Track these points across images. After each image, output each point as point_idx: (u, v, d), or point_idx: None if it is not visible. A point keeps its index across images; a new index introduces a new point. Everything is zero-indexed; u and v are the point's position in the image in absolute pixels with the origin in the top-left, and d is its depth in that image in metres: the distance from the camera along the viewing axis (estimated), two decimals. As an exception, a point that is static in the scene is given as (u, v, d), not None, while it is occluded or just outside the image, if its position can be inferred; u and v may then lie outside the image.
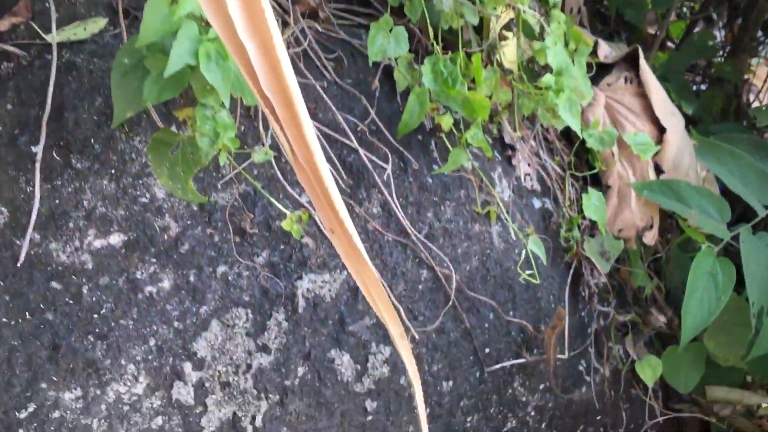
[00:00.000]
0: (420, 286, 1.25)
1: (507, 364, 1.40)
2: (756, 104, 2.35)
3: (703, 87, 2.44)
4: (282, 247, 1.13)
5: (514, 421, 1.48)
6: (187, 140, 0.83)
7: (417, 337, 1.21)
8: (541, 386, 1.51)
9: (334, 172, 1.18)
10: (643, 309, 1.81)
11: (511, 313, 1.40)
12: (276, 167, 1.13)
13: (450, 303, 1.27)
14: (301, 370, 1.12)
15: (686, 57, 2.29)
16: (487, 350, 1.37)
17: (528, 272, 1.36)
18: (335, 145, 1.21)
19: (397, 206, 1.20)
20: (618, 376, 1.74)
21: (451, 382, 1.31)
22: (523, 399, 1.48)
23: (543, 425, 1.56)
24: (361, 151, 1.20)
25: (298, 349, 1.12)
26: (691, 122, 1.91)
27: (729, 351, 1.79)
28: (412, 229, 1.22)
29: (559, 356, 1.48)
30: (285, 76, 0.59)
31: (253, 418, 1.07)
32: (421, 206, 1.28)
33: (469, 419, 1.36)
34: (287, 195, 1.15)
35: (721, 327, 1.74)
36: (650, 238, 1.64)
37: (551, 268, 1.52)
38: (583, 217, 1.53)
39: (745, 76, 2.26)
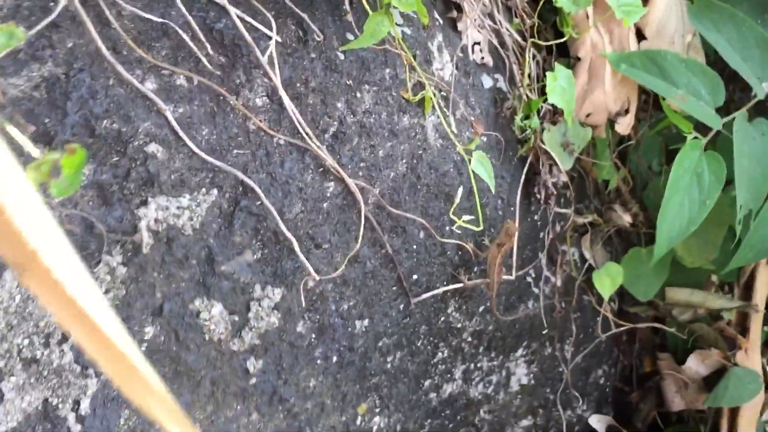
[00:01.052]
0: (324, 205, 0.92)
1: (439, 290, 1.12)
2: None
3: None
4: (115, 159, 0.77)
5: (445, 351, 1.23)
6: None
7: (317, 278, 0.90)
8: (481, 308, 1.25)
9: (196, 49, 0.80)
10: (605, 204, 1.53)
11: (447, 228, 1.09)
12: (99, 39, 0.74)
13: (363, 224, 0.96)
14: (149, 331, 0.80)
15: None
16: (414, 277, 1.08)
17: (466, 218, 1.05)
18: (196, 4, 0.82)
19: (284, 95, 0.84)
20: (571, 285, 1.49)
21: (366, 321, 1.03)
22: (458, 326, 1.22)
23: (480, 349, 1.32)
24: (235, 14, 0.81)
25: (144, 304, 0.80)
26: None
27: (699, 254, 1.55)
28: (309, 129, 0.87)
29: (504, 277, 1.21)
30: None
31: (77, 403, 0.76)
32: (328, 94, 0.92)
33: (389, 359, 1.10)
34: (121, 80, 0.77)
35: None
36: (625, 125, 1.32)
37: (501, 166, 1.20)
38: (545, 100, 1.20)
39: None
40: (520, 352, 1.40)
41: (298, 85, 0.87)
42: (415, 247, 1.04)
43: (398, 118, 0.97)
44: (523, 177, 1.22)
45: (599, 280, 1.39)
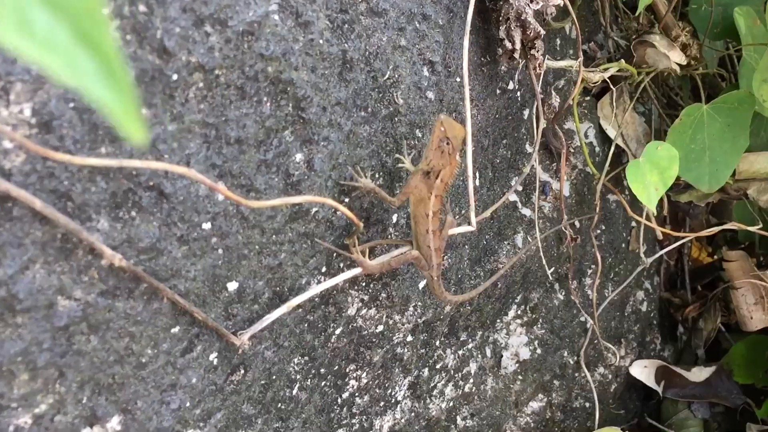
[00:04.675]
0: None
1: (309, 293, 0.51)
2: None
3: None
4: None
5: (363, 375, 0.62)
6: None
7: None
8: (422, 284, 0.64)
9: None
10: (634, 39, 0.87)
11: (298, 158, 0.46)
12: None
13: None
14: None
15: None
16: (231, 288, 0.47)
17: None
18: None
19: None
20: (587, 187, 0.86)
21: (117, 420, 0.43)
22: (379, 329, 0.61)
23: (437, 342, 0.72)
24: None
25: None
26: None
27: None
28: None
29: (455, 231, 0.57)
30: None
31: None
32: None
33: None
34: None
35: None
36: None
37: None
38: None
39: None
40: (512, 314, 0.81)
41: None
42: (208, 227, 0.42)
43: None
44: (471, 7, 0.57)
45: (639, 178, 0.75)
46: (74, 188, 0.35)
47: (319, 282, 0.50)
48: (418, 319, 0.64)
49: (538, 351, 0.86)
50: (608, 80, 0.78)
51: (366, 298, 0.56)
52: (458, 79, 0.58)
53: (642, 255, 0.87)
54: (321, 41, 0.44)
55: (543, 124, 0.62)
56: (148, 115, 0.36)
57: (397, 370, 0.65)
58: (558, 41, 0.76)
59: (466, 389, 0.79)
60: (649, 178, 0.76)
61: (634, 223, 0.95)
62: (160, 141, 0.37)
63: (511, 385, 0.85)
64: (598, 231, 0.88)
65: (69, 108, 0.34)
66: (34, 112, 0.33)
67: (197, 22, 0.37)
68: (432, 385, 0.72)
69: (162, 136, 0.37)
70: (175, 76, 0.37)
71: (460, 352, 0.75)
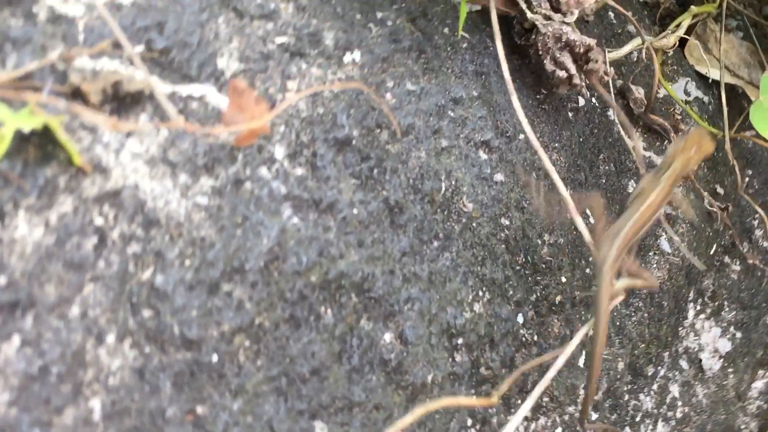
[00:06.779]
0: None
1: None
2: None
3: None
4: None
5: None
6: None
7: None
8: (581, 361, 0.54)
9: None
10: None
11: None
12: None
13: None
14: None
15: None
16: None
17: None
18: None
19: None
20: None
21: None
22: (557, 435, 0.53)
23: (624, 396, 0.62)
24: None
25: None
26: None
27: None
28: None
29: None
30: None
31: None
32: None
33: None
34: None
35: None
36: None
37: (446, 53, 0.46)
38: None
39: None
40: (691, 314, 0.70)
41: None
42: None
43: None
44: (504, 65, 0.47)
45: (766, 120, 0.63)
46: None
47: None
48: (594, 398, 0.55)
49: (738, 335, 0.74)
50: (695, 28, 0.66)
51: (529, 414, 0.49)
52: (522, 137, 0.49)
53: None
54: (355, 211, 0.38)
55: (640, 144, 0.52)
56: (204, 413, 0.31)
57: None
58: (610, 14, 0.65)
59: (678, 415, 0.68)
60: (783, 116, 0.63)
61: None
62: (232, 426, 0.32)
63: (724, 382, 0.74)
64: (746, 178, 0.75)
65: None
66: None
67: (212, 289, 0.32)
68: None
69: (231, 420, 0.32)
70: (214, 357, 0.31)
71: (654, 387, 0.65)
